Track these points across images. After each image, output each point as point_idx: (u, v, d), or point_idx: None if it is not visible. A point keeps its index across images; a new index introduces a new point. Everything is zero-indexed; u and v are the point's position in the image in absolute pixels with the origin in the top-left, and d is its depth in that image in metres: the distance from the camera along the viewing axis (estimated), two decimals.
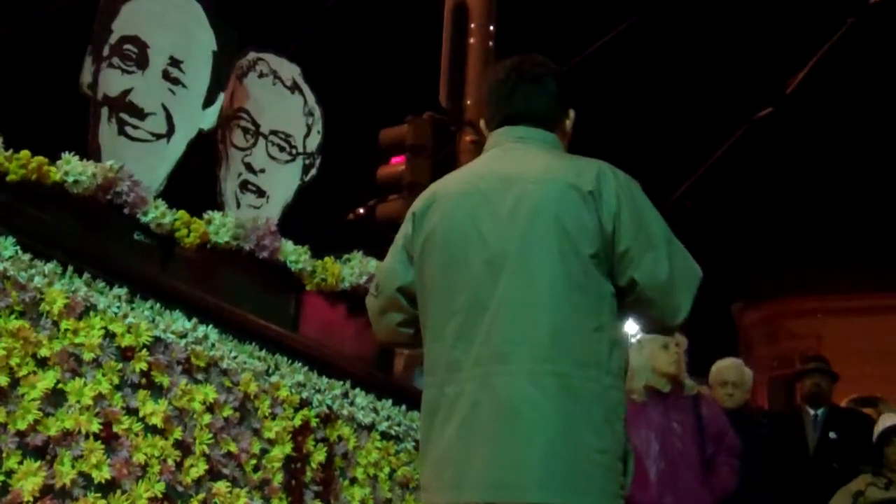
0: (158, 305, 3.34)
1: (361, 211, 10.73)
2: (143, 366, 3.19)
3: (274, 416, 3.60)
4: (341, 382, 3.92)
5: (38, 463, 2.88)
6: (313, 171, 5.01)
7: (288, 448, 3.62)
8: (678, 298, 2.39)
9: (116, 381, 3.12)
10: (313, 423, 3.74)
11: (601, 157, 2.52)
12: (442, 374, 2.40)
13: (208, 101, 4.44)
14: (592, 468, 2.26)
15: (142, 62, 4.25)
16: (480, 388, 2.31)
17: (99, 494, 2.99)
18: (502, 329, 2.33)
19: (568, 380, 2.28)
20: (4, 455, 2.83)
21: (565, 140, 2.66)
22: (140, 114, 4.22)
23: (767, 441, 5.70)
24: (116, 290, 3.23)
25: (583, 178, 2.39)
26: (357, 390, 3.98)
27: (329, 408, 3.82)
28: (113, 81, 4.15)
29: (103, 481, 3.00)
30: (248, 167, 4.75)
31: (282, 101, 4.96)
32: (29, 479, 2.84)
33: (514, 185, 2.43)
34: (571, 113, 2.68)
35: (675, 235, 2.46)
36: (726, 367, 6.04)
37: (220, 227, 3.92)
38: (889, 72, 18.21)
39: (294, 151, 4.94)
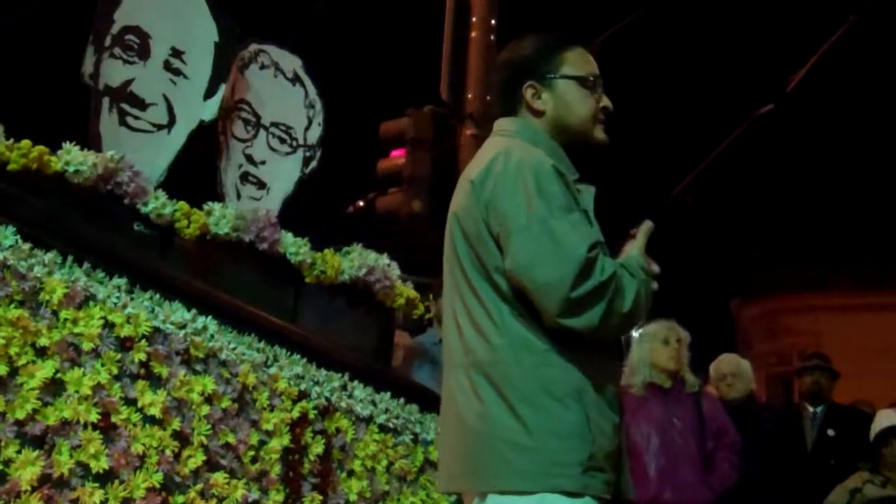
0: (158, 296, 3.34)
1: (361, 204, 10.72)
2: (142, 356, 3.19)
3: (272, 408, 3.60)
4: (340, 374, 3.93)
5: (36, 452, 2.87)
6: (314, 164, 5.01)
7: (286, 440, 3.62)
8: (544, 283, 2.25)
9: (115, 371, 3.12)
10: (311, 414, 3.74)
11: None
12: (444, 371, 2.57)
13: (209, 93, 4.43)
14: (510, 451, 2.25)
15: (143, 53, 4.24)
16: (448, 382, 2.48)
17: (97, 484, 2.98)
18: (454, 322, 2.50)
19: (488, 367, 2.35)
20: (3, 444, 2.83)
21: (542, 117, 2.53)
22: (141, 104, 4.21)
23: (769, 437, 5.72)
24: (116, 281, 3.22)
25: (476, 168, 2.46)
26: (355, 382, 3.98)
27: (327, 400, 3.82)
28: (114, 72, 4.14)
29: (101, 471, 3.00)
30: (249, 159, 4.74)
31: (283, 93, 4.95)
32: (27, 469, 2.84)
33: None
34: (530, 91, 2.53)
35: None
36: (721, 360, 6.22)
37: (220, 218, 3.91)
38: (891, 69, 18.20)
39: (295, 143, 4.94)
